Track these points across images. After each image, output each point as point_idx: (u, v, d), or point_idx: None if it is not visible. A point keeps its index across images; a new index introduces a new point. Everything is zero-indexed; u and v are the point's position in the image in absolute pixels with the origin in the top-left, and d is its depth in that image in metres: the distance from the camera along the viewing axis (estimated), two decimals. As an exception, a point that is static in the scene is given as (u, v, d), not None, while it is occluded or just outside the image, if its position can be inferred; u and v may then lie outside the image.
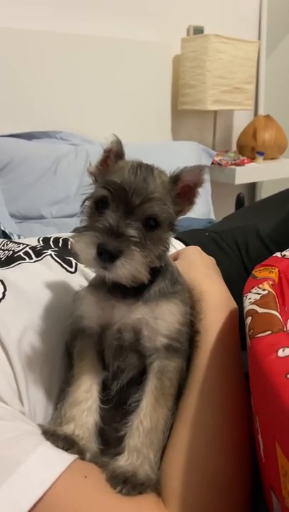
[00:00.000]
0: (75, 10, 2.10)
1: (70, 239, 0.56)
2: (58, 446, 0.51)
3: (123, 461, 0.52)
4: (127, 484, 0.49)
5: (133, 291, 0.56)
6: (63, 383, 0.64)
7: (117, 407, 0.58)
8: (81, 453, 0.52)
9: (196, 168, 0.58)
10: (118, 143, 0.59)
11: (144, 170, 0.55)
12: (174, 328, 0.58)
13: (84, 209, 0.57)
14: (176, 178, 0.58)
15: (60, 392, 0.64)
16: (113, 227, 0.50)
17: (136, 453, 0.52)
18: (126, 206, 0.52)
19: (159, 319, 0.57)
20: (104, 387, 0.60)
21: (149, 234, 0.54)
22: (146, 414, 0.54)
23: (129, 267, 0.50)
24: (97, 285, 0.61)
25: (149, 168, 0.56)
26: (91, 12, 2.14)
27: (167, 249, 0.59)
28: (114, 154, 0.59)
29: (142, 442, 0.52)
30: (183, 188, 0.58)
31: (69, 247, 0.88)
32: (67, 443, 0.52)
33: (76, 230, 0.55)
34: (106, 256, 0.49)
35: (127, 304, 0.58)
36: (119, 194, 0.53)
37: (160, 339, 0.57)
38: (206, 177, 0.58)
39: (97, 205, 0.55)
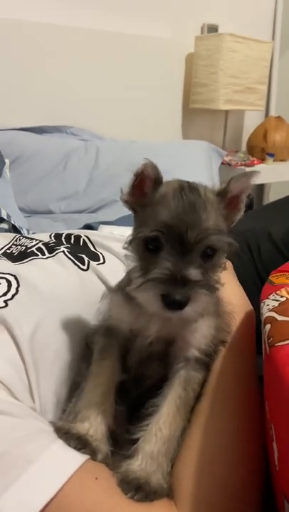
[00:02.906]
0: (88, 5, 2.08)
1: (131, 291, 0.53)
2: (70, 445, 0.51)
3: (136, 466, 0.51)
4: (140, 492, 0.48)
5: None
6: (77, 376, 0.64)
7: (132, 410, 0.57)
8: (93, 453, 0.52)
9: (242, 177, 0.55)
10: (153, 167, 0.54)
11: (191, 194, 0.52)
12: (209, 343, 0.58)
13: (132, 249, 0.55)
14: (224, 192, 0.55)
15: (73, 384, 0.63)
16: (175, 274, 0.48)
17: (150, 459, 0.51)
18: (182, 244, 0.50)
19: (196, 333, 0.57)
20: (123, 389, 0.59)
21: (208, 263, 0.52)
22: (165, 422, 0.53)
23: (199, 308, 0.50)
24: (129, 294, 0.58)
25: (195, 190, 0.53)
26: (104, 7, 2.12)
27: (224, 268, 0.57)
28: (151, 180, 0.54)
29: (158, 450, 0.52)
30: (230, 199, 0.56)
31: (81, 244, 0.88)
32: (80, 443, 0.52)
33: (135, 279, 0.52)
34: (174, 306, 0.48)
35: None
36: (173, 233, 0.50)
37: (192, 351, 0.57)
38: (254, 180, 0.55)
39: (147, 245, 0.52)
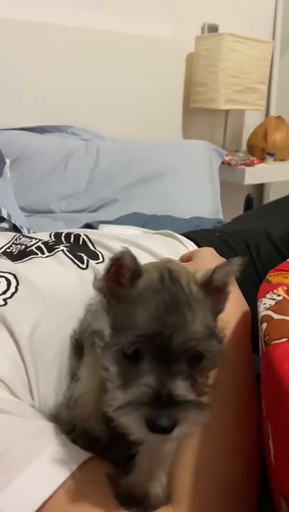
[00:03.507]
0: (88, 5, 2.09)
1: (111, 412, 0.44)
2: (77, 442, 0.51)
3: (134, 480, 0.50)
4: (137, 507, 0.47)
5: None
6: (74, 368, 0.63)
7: None
8: (98, 444, 0.52)
9: (226, 266, 0.48)
10: (132, 258, 0.46)
11: (173, 288, 0.45)
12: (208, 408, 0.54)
13: (107, 356, 0.46)
14: (208, 283, 0.48)
15: (71, 376, 0.63)
16: (159, 392, 0.41)
17: (148, 474, 0.50)
18: (165, 353, 0.42)
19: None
20: None
21: (197, 368, 0.45)
22: None
23: (189, 427, 0.43)
24: None
25: (177, 283, 0.46)
26: (104, 7, 2.13)
27: (216, 366, 0.50)
28: (129, 272, 0.47)
29: (156, 464, 0.50)
30: (216, 287, 0.49)
31: (80, 243, 0.88)
32: (86, 439, 0.52)
33: (110, 387, 0.45)
34: (160, 431, 0.41)
35: None
36: (154, 342, 0.43)
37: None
38: (239, 267, 0.48)
39: (125, 353, 0.44)
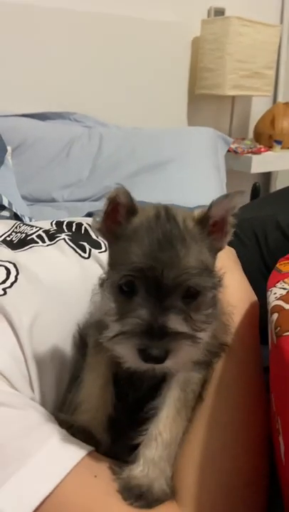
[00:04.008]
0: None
1: (106, 342, 0.46)
2: (75, 438, 0.50)
3: (138, 472, 0.49)
4: (141, 500, 0.47)
5: None
6: (75, 368, 0.62)
7: (132, 415, 0.55)
8: (98, 445, 0.51)
9: (224, 199, 0.48)
10: (126, 194, 0.47)
11: (167, 225, 0.46)
12: (204, 343, 0.54)
13: (106, 293, 0.48)
14: (205, 219, 0.48)
15: (72, 377, 0.62)
16: (152, 325, 0.42)
17: (152, 465, 0.49)
18: (158, 288, 0.44)
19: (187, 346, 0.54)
20: (120, 392, 0.57)
21: (192, 304, 0.46)
22: (166, 426, 0.51)
23: (182, 361, 0.45)
24: None
25: (172, 220, 0.47)
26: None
27: (216, 305, 0.50)
28: (124, 209, 0.48)
29: (159, 455, 0.50)
30: (214, 223, 0.50)
31: (82, 232, 0.86)
32: (84, 435, 0.51)
33: (108, 320, 0.47)
34: (152, 360, 0.43)
35: None
36: (147, 276, 0.44)
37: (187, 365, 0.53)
38: (238, 201, 0.48)
39: (121, 287, 0.46)
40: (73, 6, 1.97)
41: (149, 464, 0.49)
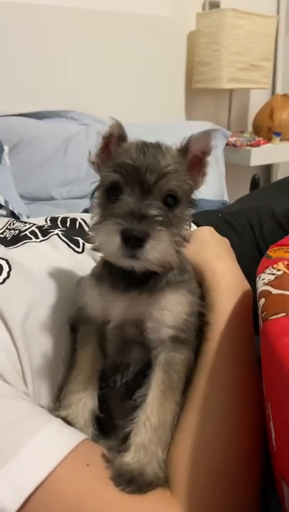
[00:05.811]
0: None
1: (89, 232, 0.53)
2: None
3: (129, 458, 0.50)
4: (132, 484, 0.47)
5: (138, 283, 0.54)
6: (68, 364, 0.63)
7: (122, 403, 0.56)
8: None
9: (202, 135, 0.54)
10: (118, 126, 0.55)
11: (152, 147, 0.53)
12: (180, 319, 0.55)
13: (95, 201, 0.54)
14: (184, 150, 0.55)
15: (66, 373, 0.63)
16: (134, 210, 0.47)
17: (143, 450, 0.50)
18: (141, 187, 0.49)
19: (165, 310, 0.54)
20: (108, 379, 0.58)
21: (171, 213, 0.51)
22: (153, 410, 0.51)
23: (160, 249, 0.47)
24: (101, 277, 0.58)
25: (156, 145, 0.54)
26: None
27: (190, 227, 0.56)
28: (116, 138, 0.55)
29: (149, 439, 0.50)
30: (193, 160, 0.55)
31: (77, 227, 0.86)
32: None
33: (94, 223, 0.52)
34: (133, 242, 0.46)
35: (130, 296, 0.55)
36: (132, 175, 0.49)
37: (166, 330, 0.54)
38: (214, 142, 0.55)
39: (109, 193, 0.51)
40: (68, 3, 1.97)
41: (140, 449, 0.50)
